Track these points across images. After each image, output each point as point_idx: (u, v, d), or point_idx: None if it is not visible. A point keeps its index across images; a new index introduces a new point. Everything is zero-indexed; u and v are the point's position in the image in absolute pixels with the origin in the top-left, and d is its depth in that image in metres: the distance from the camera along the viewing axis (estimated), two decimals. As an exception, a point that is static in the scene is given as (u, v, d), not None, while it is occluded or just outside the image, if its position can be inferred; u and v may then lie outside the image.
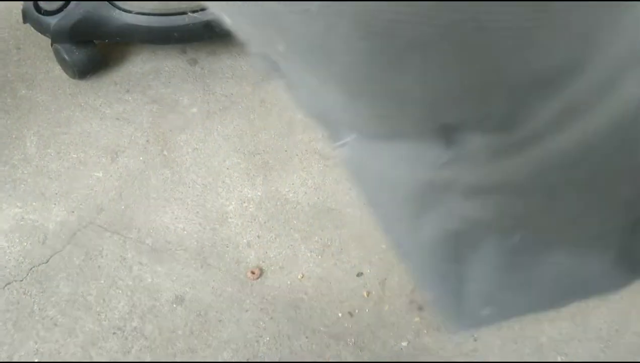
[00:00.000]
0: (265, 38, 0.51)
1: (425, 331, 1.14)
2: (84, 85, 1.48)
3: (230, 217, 1.27)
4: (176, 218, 1.27)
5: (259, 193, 1.31)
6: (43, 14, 1.41)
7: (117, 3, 1.41)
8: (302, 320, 1.15)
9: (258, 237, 1.25)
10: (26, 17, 1.45)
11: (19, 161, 1.35)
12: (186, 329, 1.14)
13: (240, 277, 1.19)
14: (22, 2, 1.46)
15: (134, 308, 1.16)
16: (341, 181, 1.31)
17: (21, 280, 1.19)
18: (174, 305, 1.16)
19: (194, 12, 1.41)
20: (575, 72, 0.42)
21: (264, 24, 0.48)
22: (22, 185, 1.31)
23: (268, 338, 1.13)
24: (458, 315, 0.78)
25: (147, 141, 1.39)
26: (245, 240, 1.24)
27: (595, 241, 0.56)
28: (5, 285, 1.18)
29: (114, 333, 1.13)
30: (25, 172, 1.33)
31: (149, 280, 1.19)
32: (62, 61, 1.46)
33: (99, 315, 1.15)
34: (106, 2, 1.40)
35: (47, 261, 1.21)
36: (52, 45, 1.45)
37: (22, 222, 1.26)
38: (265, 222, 1.27)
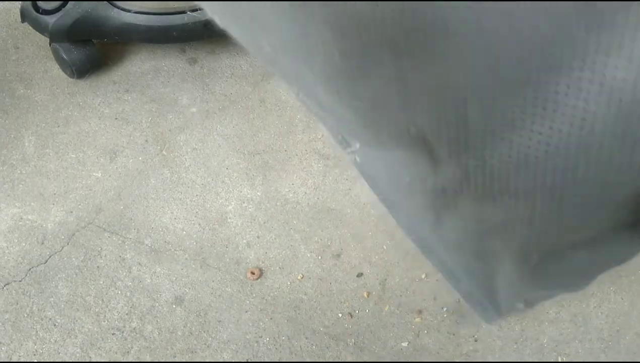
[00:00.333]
0: (252, 39, 0.51)
1: (425, 331, 1.14)
2: (83, 84, 1.48)
3: (230, 217, 1.27)
4: (175, 218, 1.27)
5: (259, 194, 1.30)
6: (41, 13, 1.40)
7: (116, 2, 1.40)
8: (302, 320, 1.14)
9: (258, 237, 1.24)
10: (24, 17, 1.44)
11: (17, 161, 1.35)
12: (186, 330, 1.13)
13: (240, 278, 1.19)
14: (20, 2, 1.46)
15: (133, 308, 1.15)
16: (341, 181, 1.31)
17: (20, 281, 1.18)
18: (174, 306, 1.16)
19: (193, 11, 1.41)
20: (549, 72, 0.41)
21: (249, 25, 0.48)
22: (21, 185, 1.31)
23: (268, 339, 1.13)
24: (494, 308, 0.79)
25: (146, 141, 1.38)
26: (244, 241, 1.24)
27: (608, 222, 0.56)
28: (4, 286, 1.18)
29: (113, 333, 1.13)
30: (24, 172, 1.33)
31: (148, 280, 1.19)
32: (60, 60, 1.46)
33: (98, 315, 1.15)
34: (105, 2, 1.40)
35: (46, 261, 1.21)
36: (50, 44, 1.45)
37: (20, 223, 1.26)
38: (265, 222, 1.26)
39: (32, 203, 1.28)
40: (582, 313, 1.15)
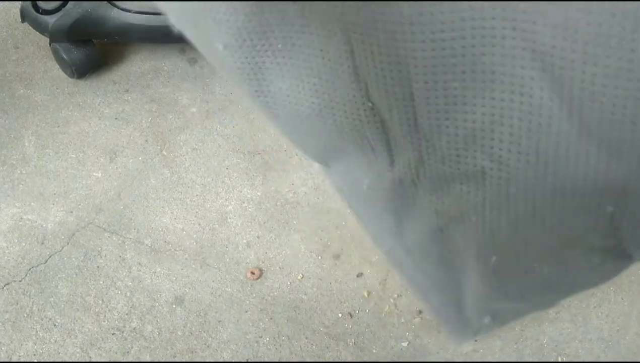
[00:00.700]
0: (205, 37, 0.52)
1: (425, 331, 1.14)
2: (83, 84, 1.48)
3: (230, 217, 1.27)
4: (175, 218, 1.27)
5: (259, 194, 1.30)
6: (41, 13, 1.40)
7: (116, 2, 1.40)
8: (302, 320, 1.14)
9: (258, 237, 1.24)
10: (24, 17, 1.44)
11: (17, 161, 1.35)
12: (186, 330, 1.13)
13: (240, 278, 1.19)
14: (20, 2, 1.46)
15: (133, 308, 1.15)
16: (341, 181, 1.31)
17: (20, 281, 1.18)
18: (174, 306, 1.16)
19: (193, 11, 1.41)
20: (483, 42, 0.42)
21: (202, 22, 0.49)
22: (21, 185, 1.31)
23: (268, 339, 1.13)
24: (461, 324, 0.78)
25: (146, 141, 1.38)
26: (244, 241, 1.24)
27: (576, 243, 0.56)
28: (4, 286, 1.18)
29: (113, 333, 1.13)
30: (24, 172, 1.33)
31: (148, 280, 1.19)
32: (60, 60, 1.46)
33: (98, 315, 1.15)
34: (105, 2, 1.40)
35: (46, 261, 1.21)
36: (50, 44, 1.45)
37: (20, 222, 1.26)
38: (265, 222, 1.26)
39: (32, 203, 1.28)
40: (582, 313, 1.15)
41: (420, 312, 1.16)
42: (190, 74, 1.50)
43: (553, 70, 0.41)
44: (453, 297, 0.73)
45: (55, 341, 1.12)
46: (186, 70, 1.51)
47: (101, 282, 1.18)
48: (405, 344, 1.12)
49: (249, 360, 1.11)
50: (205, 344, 1.12)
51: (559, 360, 1.11)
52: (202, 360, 1.11)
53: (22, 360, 1.10)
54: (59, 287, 1.18)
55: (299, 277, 1.19)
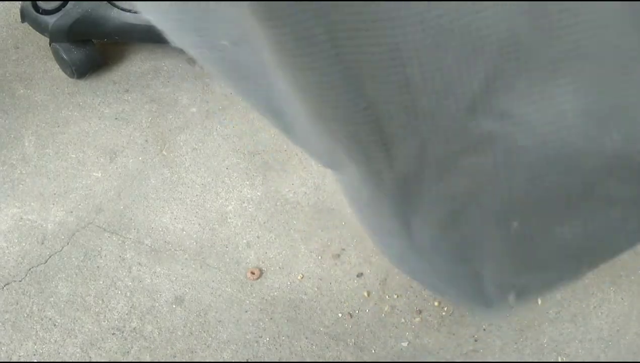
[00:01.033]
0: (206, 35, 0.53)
1: (425, 331, 1.14)
2: (83, 84, 1.48)
3: (230, 217, 1.27)
4: (175, 218, 1.27)
5: (259, 194, 1.30)
6: (41, 13, 1.40)
7: (116, 2, 1.40)
8: (302, 320, 1.14)
9: (258, 237, 1.24)
10: (24, 16, 1.44)
11: (17, 161, 1.35)
12: (186, 330, 1.13)
13: (240, 278, 1.19)
14: (20, 2, 1.46)
15: (133, 308, 1.15)
16: (341, 181, 1.31)
17: (20, 281, 1.18)
18: (174, 306, 1.16)
19: (193, 11, 1.41)
20: (476, 15, 0.43)
21: (205, 19, 0.50)
22: (21, 185, 1.31)
23: (268, 339, 1.13)
24: (486, 307, 0.78)
25: (146, 141, 1.38)
26: (244, 241, 1.24)
27: (592, 192, 0.56)
28: (4, 286, 1.18)
29: (113, 333, 1.13)
30: (24, 172, 1.33)
31: (148, 280, 1.19)
32: (60, 60, 1.46)
33: (98, 315, 1.15)
34: (105, 2, 1.40)
35: (46, 261, 1.21)
36: (50, 44, 1.45)
37: (20, 222, 1.26)
38: (265, 222, 1.26)
39: (32, 203, 1.28)
40: (582, 313, 1.15)
41: (420, 311, 1.16)
42: (190, 74, 1.50)
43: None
44: (471, 286, 0.73)
45: (55, 341, 1.12)
46: (186, 70, 1.51)
47: (101, 282, 1.18)
48: (405, 344, 1.12)
49: (249, 360, 1.11)
50: (205, 344, 1.12)
51: (559, 360, 1.11)
52: (202, 360, 1.11)
53: (22, 360, 1.10)
54: (59, 287, 1.18)
55: (299, 277, 1.19)
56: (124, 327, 1.14)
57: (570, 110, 0.48)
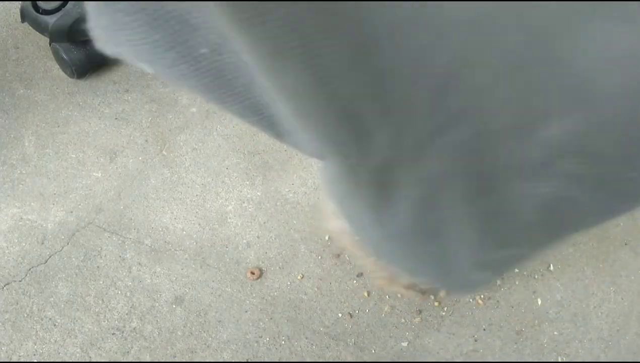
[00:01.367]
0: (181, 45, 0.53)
1: (426, 331, 1.14)
2: (83, 84, 1.48)
3: (230, 217, 1.27)
4: (175, 218, 1.27)
5: (259, 193, 1.30)
6: (41, 13, 1.40)
7: (116, 2, 1.40)
8: (302, 320, 1.14)
9: (258, 237, 1.24)
10: (24, 16, 1.44)
11: (17, 161, 1.35)
12: (186, 330, 1.13)
13: (240, 278, 1.19)
14: (20, 2, 1.46)
15: (133, 308, 1.15)
16: (341, 181, 1.31)
17: (20, 281, 1.18)
18: (174, 306, 1.16)
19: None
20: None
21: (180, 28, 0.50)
22: (21, 185, 1.31)
23: (268, 339, 1.13)
24: (459, 286, 0.79)
25: (146, 141, 1.38)
26: (244, 241, 1.24)
27: (562, 179, 0.56)
28: (4, 286, 1.18)
29: (113, 333, 1.13)
30: (24, 172, 1.33)
31: (148, 280, 1.19)
32: (60, 60, 1.46)
33: (98, 315, 1.15)
34: (105, 1, 1.40)
35: (46, 261, 1.21)
36: (50, 44, 1.45)
37: (20, 222, 1.26)
38: (264, 222, 1.26)
39: (32, 203, 1.28)
40: (582, 313, 1.15)
41: (420, 311, 1.16)
42: (190, 74, 1.50)
43: None
44: (446, 265, 0.73)
45: (55, 341, 1.12)
46: (186, 70, 1.51)
47: (101, 282, 1.18)
48: (405, 344, 1.12)
49: (249, 360, 1.11)
50: (205, 344, 1.12)
51: (559, 360, 1.11)
52: (202, 360, 1.11)
53: (22, 360, 1.10)
54: (59, 287, 1.18)
55: (299, 277, 1.19)
56: (124, 327, 1.14)
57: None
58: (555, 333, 1.13)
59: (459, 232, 0.65)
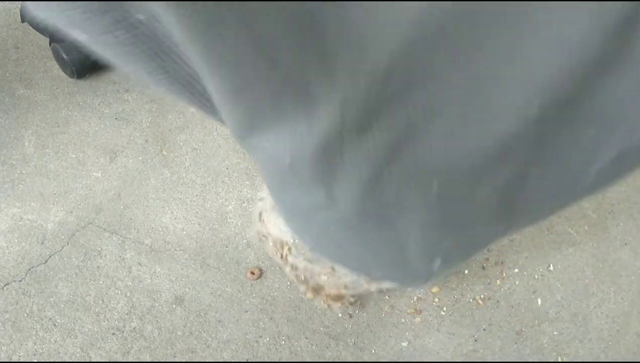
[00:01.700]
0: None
1: (426, 331, 1.14)
2: (83, 84, 1.48)
3: (230, 217, 1.27)
4: (175, 218, 1.27)
5: (259, 193, 1.30)
6: (41, 13, 1.40)
7: (116, 2, 1.40)
8: (302, 320, 1.14)
9: (258, 237, 1.24)
10: (24, 17, 1.44)
11: (17, 161, 1.35)
12: (186, 330, 1.13)
13: (240, 278, 1.19)
14: (20, 2, 1.46)
15: (133, 308, 1.15)
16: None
17: (20, 281, 1.18)
18: (174, 306, 1.16)
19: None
20: None
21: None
22: (21, 185, 1.31)
23: (268, 339, 1.13)
24: (412, 277, 0.77)
25: (146, 141, 1.38)
26: (244, 241, 1.24)
27: (514, 164, 0.56)
28: (4, 286, 1.18)
29: (113, 333, 1.13)
30: (24, 172, 1.33)
31: (148, 280, 1.19)
32: (60, 60, 1.46)
33: (98, 315, 1.15)
34: (105, 1, 1.40)
35: (46, 261, 1.21)
36: (50, 44, 1.45)
37: (20, 222, 1.26)
38: (264, 222, 1.26)
39: (32, 203, 1.28)
40: (582, 313, 1.15)
41: (420, 311, 1.16)
42: (190, 74, 1.50)
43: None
44: (397, 254, 0.72)
45: (55, 341, 1.12)
46: (186, 70, 1.51)
47: (101, 282, 1.18)
48: (405, 344, 1.12)
49: (249, 360, 1.11)
50: (205, 344, 1.12)
51: (559, 360, 1.11)
52: (202, 360, 1.11)
53: (22, 360, 1.10)
54: (59, 287, 1.18)
55: (299, 277, 1.19)
56: (124, 327, 1.14)
57: None
58: (555, 333, 1.13)
59: (409, 214, 0.64)
